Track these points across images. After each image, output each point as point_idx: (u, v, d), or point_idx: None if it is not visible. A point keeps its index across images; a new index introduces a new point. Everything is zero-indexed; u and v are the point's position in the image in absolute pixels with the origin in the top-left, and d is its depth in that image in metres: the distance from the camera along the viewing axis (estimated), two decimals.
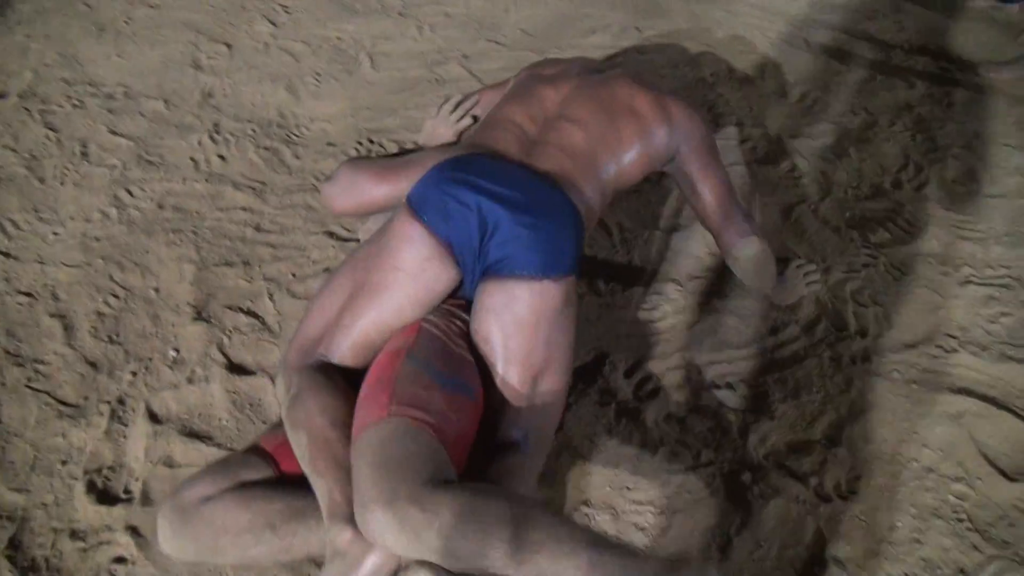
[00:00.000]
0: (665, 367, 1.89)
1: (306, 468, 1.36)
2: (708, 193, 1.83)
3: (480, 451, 1.47)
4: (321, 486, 1.32)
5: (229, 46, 2.97)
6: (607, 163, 1.71)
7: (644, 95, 1.81)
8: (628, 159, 1.75)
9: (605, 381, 1.85)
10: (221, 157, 2.42)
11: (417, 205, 1.53)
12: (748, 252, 1.83)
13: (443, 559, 1.12)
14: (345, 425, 1.39)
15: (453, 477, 1.22)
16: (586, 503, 1.63)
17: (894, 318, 2.03)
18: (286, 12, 3.23)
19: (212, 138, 2.49)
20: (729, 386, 1.85)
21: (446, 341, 1.47)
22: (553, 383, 1.51)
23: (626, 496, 1.63)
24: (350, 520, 1.24)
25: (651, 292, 2.08)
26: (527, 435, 1.48)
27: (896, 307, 2.06)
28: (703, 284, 2.10)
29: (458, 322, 1.54)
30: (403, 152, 2.02)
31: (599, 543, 1.15)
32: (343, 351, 1.51)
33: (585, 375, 1.87)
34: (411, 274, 1.50)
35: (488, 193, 1.49)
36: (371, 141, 2.52)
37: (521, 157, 1.64)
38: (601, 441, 1.73)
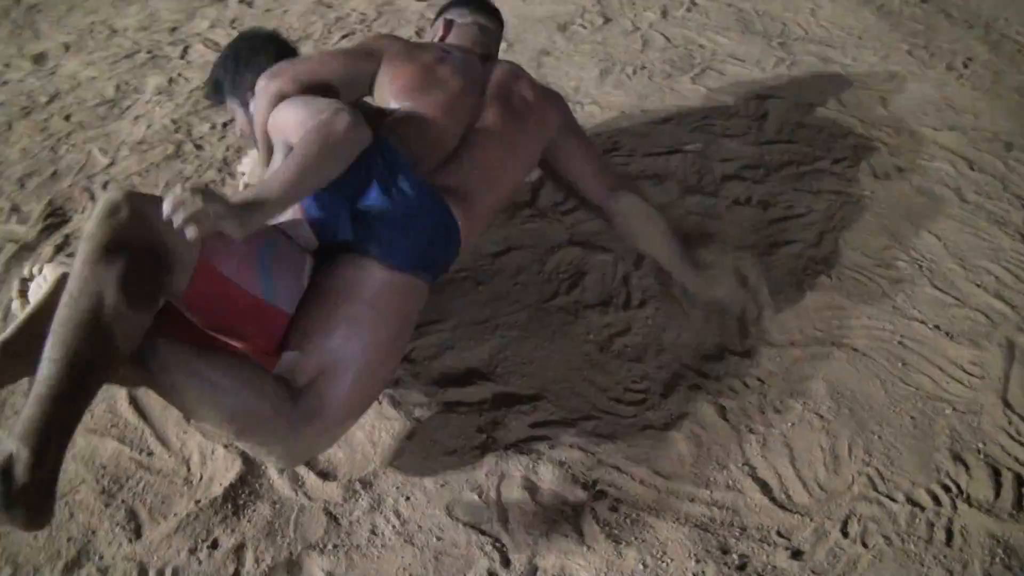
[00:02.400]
0: (573, 441, 1.72)
1: None
2: (583, 158, 1.90)
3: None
4: None
5: (608, 20, 3.23)
6: (518, 167, 1.82)
7: (529, 84, 1.88)
8: (532, 152, 1.86)
9: (506, 416, 1.78)
10: None
11: None
12: (622, 203, 1.86)
13: None
14: None
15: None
16: (363, 481, 1.66)
17: None
18: (688, 9, 3.32)
19: None
20: (600, 495, 1.62)
21: (298, 256, 1.56)
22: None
23: (400, 500, 1.63)
24: None
25: (648, 378, 1.86)
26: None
27: None
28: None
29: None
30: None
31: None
32: None
33: (506, 402, 1.82)
34: None
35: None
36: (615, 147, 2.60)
37: (428, 169, 1.67)
38: (437, 450, 1.72)
